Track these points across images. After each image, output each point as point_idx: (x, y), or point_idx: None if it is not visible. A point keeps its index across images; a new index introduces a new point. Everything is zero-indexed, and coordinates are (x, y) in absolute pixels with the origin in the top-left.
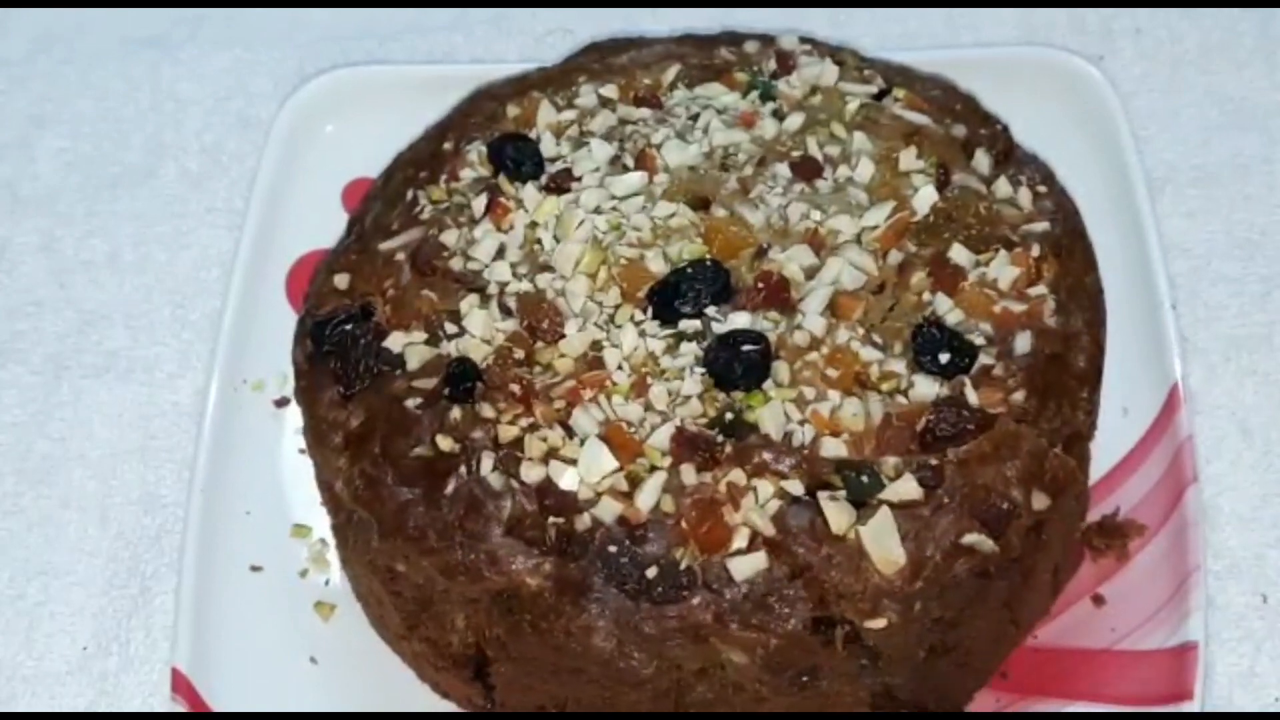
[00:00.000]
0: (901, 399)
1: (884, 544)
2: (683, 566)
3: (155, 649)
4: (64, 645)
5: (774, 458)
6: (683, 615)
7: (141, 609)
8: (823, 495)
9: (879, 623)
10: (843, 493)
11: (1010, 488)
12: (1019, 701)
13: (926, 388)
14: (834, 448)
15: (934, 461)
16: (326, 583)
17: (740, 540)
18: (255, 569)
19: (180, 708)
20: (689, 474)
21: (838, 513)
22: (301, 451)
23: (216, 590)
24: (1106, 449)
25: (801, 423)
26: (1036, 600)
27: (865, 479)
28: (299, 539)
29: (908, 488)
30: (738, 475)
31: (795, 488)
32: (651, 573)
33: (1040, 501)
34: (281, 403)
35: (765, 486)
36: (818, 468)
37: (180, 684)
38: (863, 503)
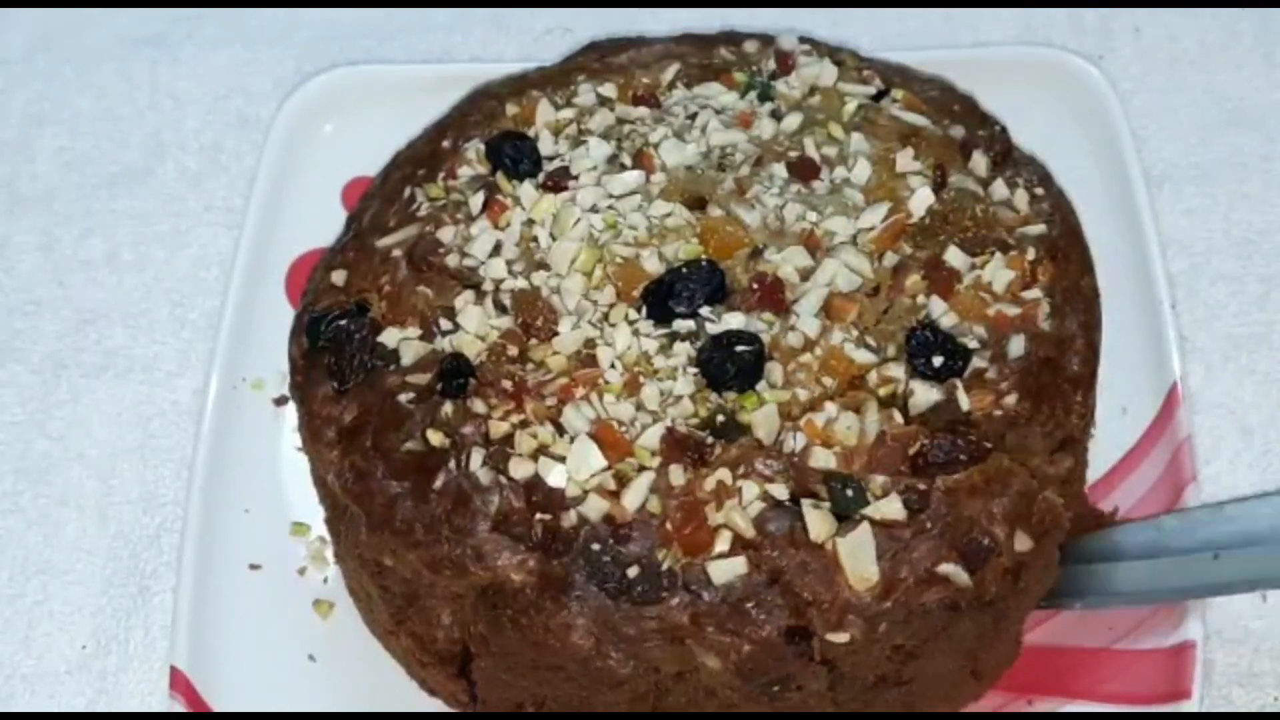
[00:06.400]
0: (898, 418)
1: (859, 559)
2: (664, 567)
3: (154, 647)
4: (63, 644)
5: (763, 461)
6: (660, 616)
7: (140, 608)
8: (806, 503)
9: (842, 636)
10: (827, 503)
11: (994, 524)
12: (1017, 700)
13: (925, 394)
14: (824, 458)
15: (922, 486)
16: (325, 581)
17: (722, 544)
18: (254, 567)
19: (179, 706)
20: (677, 475)
21: (819, 521)
22: (300, 450)
23: (215, 589)
24: (1105, 448)
25: (794, 429)
26: (1003, 652)
27: (851, 493)
28: (298, 537)
29: (892, 507)
30: (724, 475)
31: (780, 492)
32: (633, 572)
33: (1023, 543)
34: (281, 401)
35: (751, 488)
36: (805, 476)
37: (179, 682)
38: (845, 516)
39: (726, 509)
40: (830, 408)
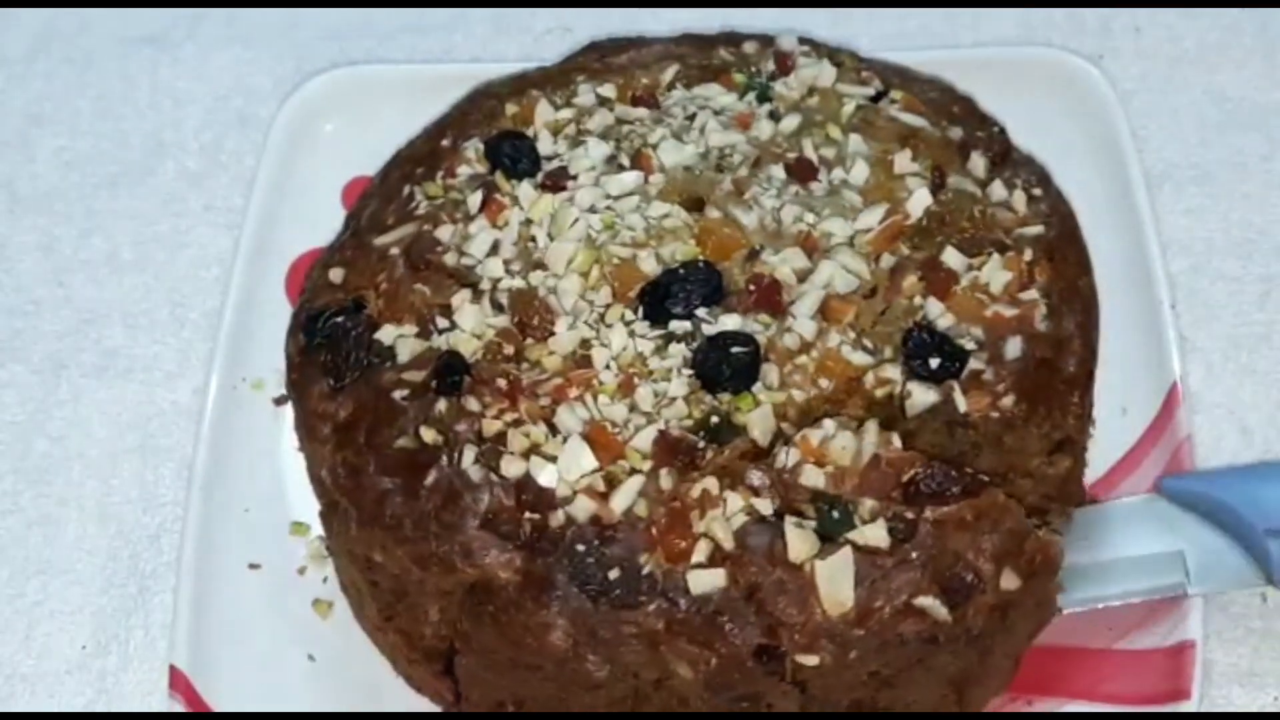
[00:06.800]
0: (896, 441)
1: (836, 583)
2: (645, 572)
3: (154, 647)
4: (63, 644)
5: (753, 473)
6: (637, 621)
7: (140, 607)
8: (789, 521)
9: (811, 659)
10: (812, 523)
11: (981, 560)
12: (1016, 701)
13: (921, 396)
14: (814, 477)
15: (910, 515)
16: (325, 580)
17: (700, 554)
18: (254, 567)
19: (178, 706)
20: (667, 479)
21: (799, 540)
22: (300, 449)
23: (215, 588)
24: (1105, 448)
25: (788, 443)
26: (990, 684)
27: (836, 515)
28: (298, 537)
29: (876, 534)
30: (711, 483)
31: (765, 507)
32: (614, 575)
33: (1010, 581)
34: (280, 401)
35: (735, 500)
36: (793, 493)
37: (178, 682)
38: (829, 538)
39: (708, 518)
40: (829, 425)
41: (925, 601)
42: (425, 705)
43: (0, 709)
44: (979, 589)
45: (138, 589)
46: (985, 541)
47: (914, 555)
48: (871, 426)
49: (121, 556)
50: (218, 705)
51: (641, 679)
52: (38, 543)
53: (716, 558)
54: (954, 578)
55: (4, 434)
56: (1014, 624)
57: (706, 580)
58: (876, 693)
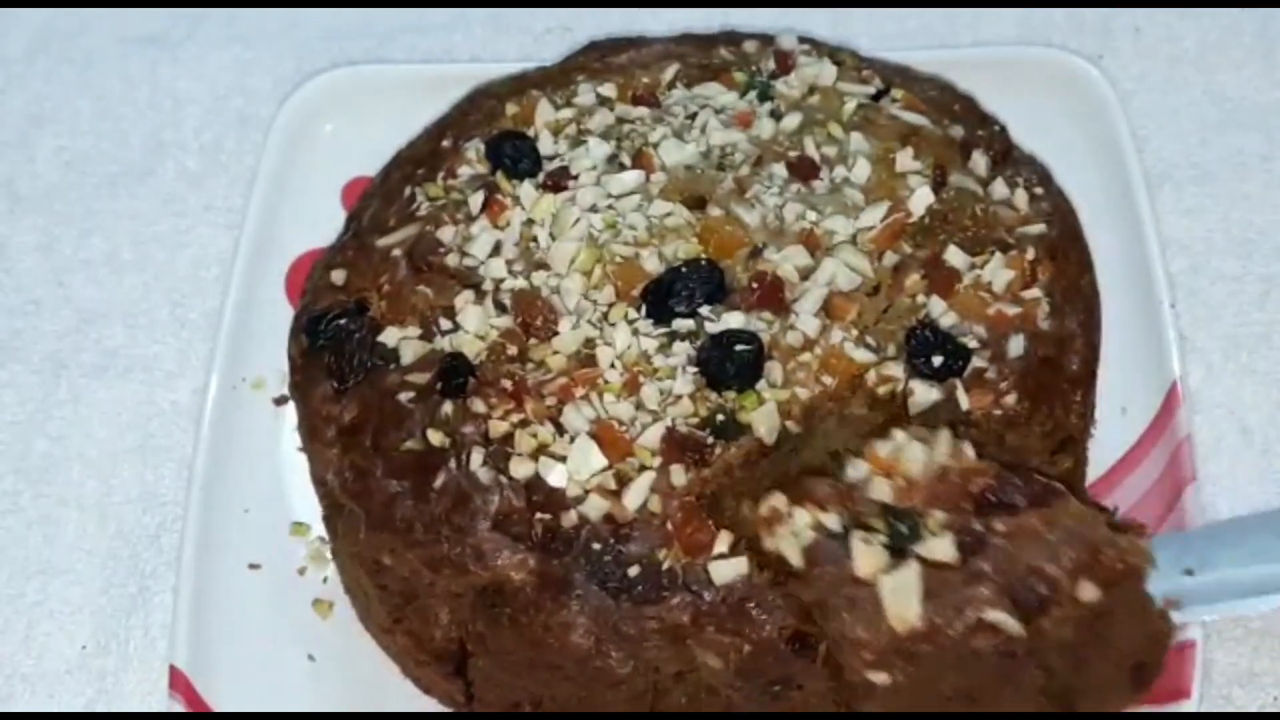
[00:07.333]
0: (969, 452)
1: (902, 599)
2: (664, 567)
3: (154, 647)
4: (62, 644)
5: (820, 487)
6: (661, 616)
7: (140, 607)
8: (857, 535)
9: (881, 677)
10: (880, 536)
11: (1055, 571)
12: None
13: (924, 394)
14: (882, 490)
15: (978, 527)
16: (325, 580)
17: (722, 545)
18: (254, 567)
19: (178, 706)
20: (678, 475)
21: (867, 556)
22: (300, 449)
23: (215, 588)
24: (1105, 448)
25: (855, 456)
26: (1106, 696)
27: (905, 529)
28: (298, 537)
29: (945, 548)
30: (779, 500)
31: (833, 522)
32: (633, 572)
33: (1089, 593)
34: (281, 401)
35: (803, 516)
36: (861, 507)
37: (178, 682)
38: (900, 551)
39: (777, 536)
40: (899, 436)
41: (996, 616)
42: (427, 705)
43: (0, 709)
44: (1053, 601)
45: (138, 589)
46: (1058, 552)
47: (984, 568)
48: (944, 436)
49: (121, 556)
50: (218, 705)
51: (662, 673)
52: (38, 543)
53: (739, 547)
54: (1026, 590)
55: (4, 434)
56: (1109, 634)
57: (729, 570)
58: (968, 705)
